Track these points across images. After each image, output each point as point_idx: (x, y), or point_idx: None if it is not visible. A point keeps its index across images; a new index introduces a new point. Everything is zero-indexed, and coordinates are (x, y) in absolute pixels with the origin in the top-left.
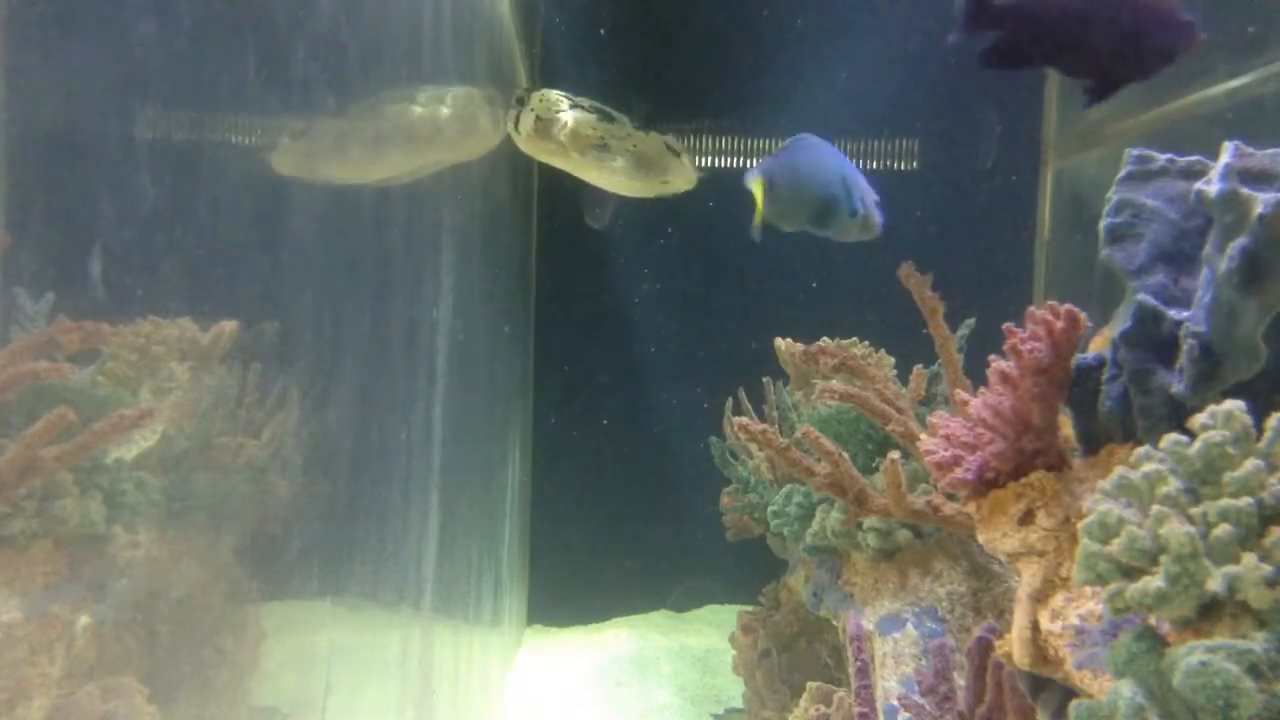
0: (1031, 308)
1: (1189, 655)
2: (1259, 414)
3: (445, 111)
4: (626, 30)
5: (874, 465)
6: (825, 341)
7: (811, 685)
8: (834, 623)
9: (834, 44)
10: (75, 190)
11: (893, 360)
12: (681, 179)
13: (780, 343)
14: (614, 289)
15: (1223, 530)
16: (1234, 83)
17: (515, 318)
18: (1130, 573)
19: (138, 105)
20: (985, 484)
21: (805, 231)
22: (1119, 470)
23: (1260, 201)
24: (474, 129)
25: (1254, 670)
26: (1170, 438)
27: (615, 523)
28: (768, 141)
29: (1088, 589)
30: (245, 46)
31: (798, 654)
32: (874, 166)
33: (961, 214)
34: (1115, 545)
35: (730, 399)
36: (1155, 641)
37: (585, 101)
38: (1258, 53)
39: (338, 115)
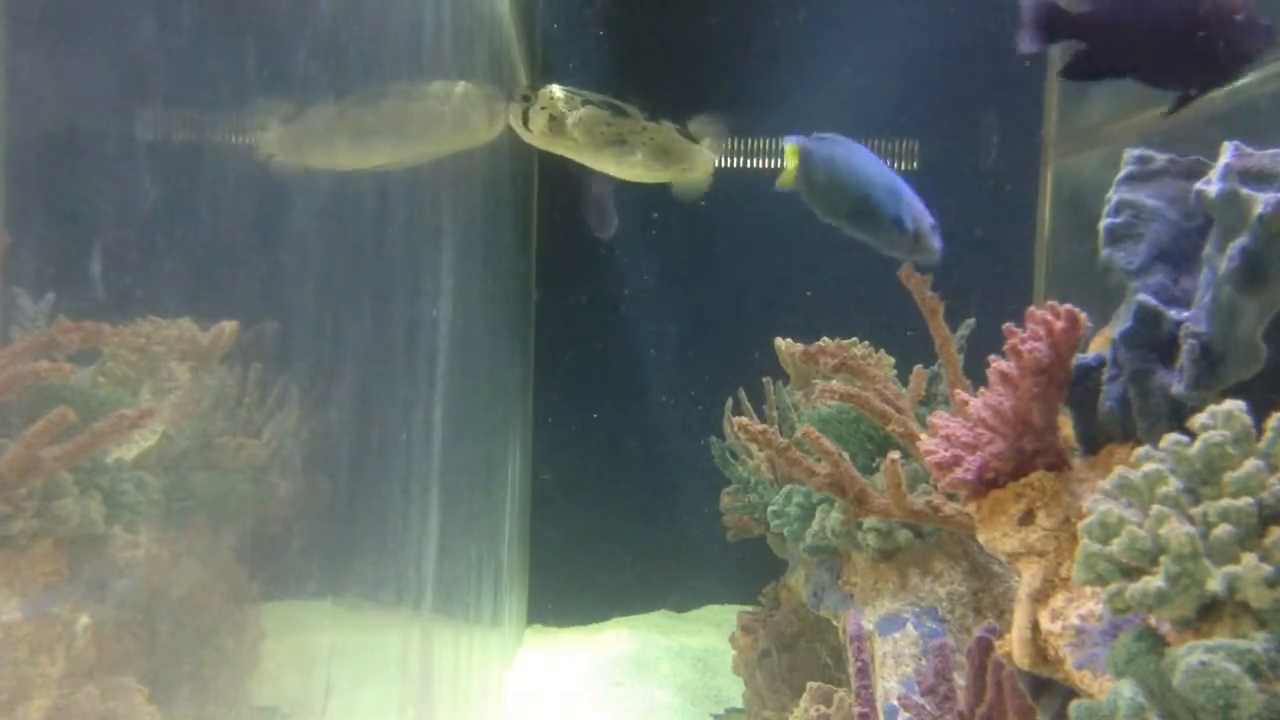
0: (1031, 308)
1: (1189, 655)
2: (1259, 414)
3: (438, 105)
4: (626, 30)
5: (874, 465)
6: (825, 341)
7: (812, 685)
8: (834, 623)
9: (834, 43)
10: (75, 190)
11: (893, 360)
12: (701, 165)
13: (780, 343)
14: (614, 288)
15: (1223, 530)
16: (1234, 83)
17: (515, 317)
18: (1130, 573)
19: (137, 105)
20: (985, 484)
21: (852, 236)
22: (1119, 470)
23: (1260, 202)
24: (466, 123)
25: (1254, 670)
26: (1170, 438)
27: (615, 523)
28: (768, 141)
29: (1088, 589)
30: (245, 46)
31: (798, 654)
32: None
33: (961, 214)
34: (1115, 545)
35: (730, 399)
36: (1155, 641)
37: (595, 97)
38: None
39: (331, 103)
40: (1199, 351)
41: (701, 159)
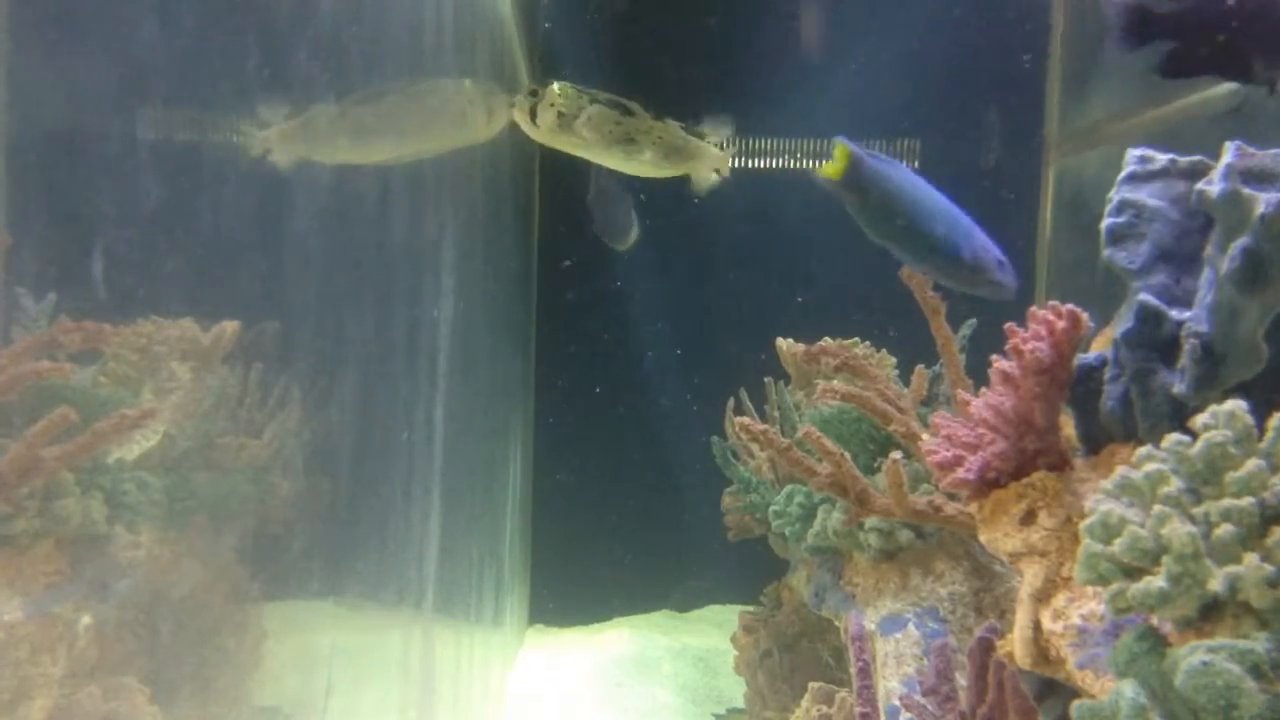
0: (1033, 308)
1: (1191, 655)
2: (1260, 414)
3: (438, 103)
4: (626, 30)
5: (876, 465)
6: (827, 341)
7: (813, 685)
8: (835, 623)
9: (834, 43)
10: (76, 190)
11: (894, 360)
12: (714, 160)
13: (782, 343)
14: (615, 289)
15: (1224, 530)
16: (1235, 83)
17: (516, 317)
18: (1132, 573)
19: (139, 105)
20: (987, 484)
21: (903, 259)
22: (1121, 470)
23: (1262, 201)
24: (465, 120)
25: (1255, 670)
26: (1172, 437)
27: (616, 523)
28: (768, 141)
29: (1089, 589)
30: (246, 46)
31: (799, 654)
32: None
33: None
34: (1117, 545)
35: (732, 399)
36: (1157, 641)
37: (602, 95)
38: None
39: (331, 102)
40: (1200, 351)
41: (712, 155)
